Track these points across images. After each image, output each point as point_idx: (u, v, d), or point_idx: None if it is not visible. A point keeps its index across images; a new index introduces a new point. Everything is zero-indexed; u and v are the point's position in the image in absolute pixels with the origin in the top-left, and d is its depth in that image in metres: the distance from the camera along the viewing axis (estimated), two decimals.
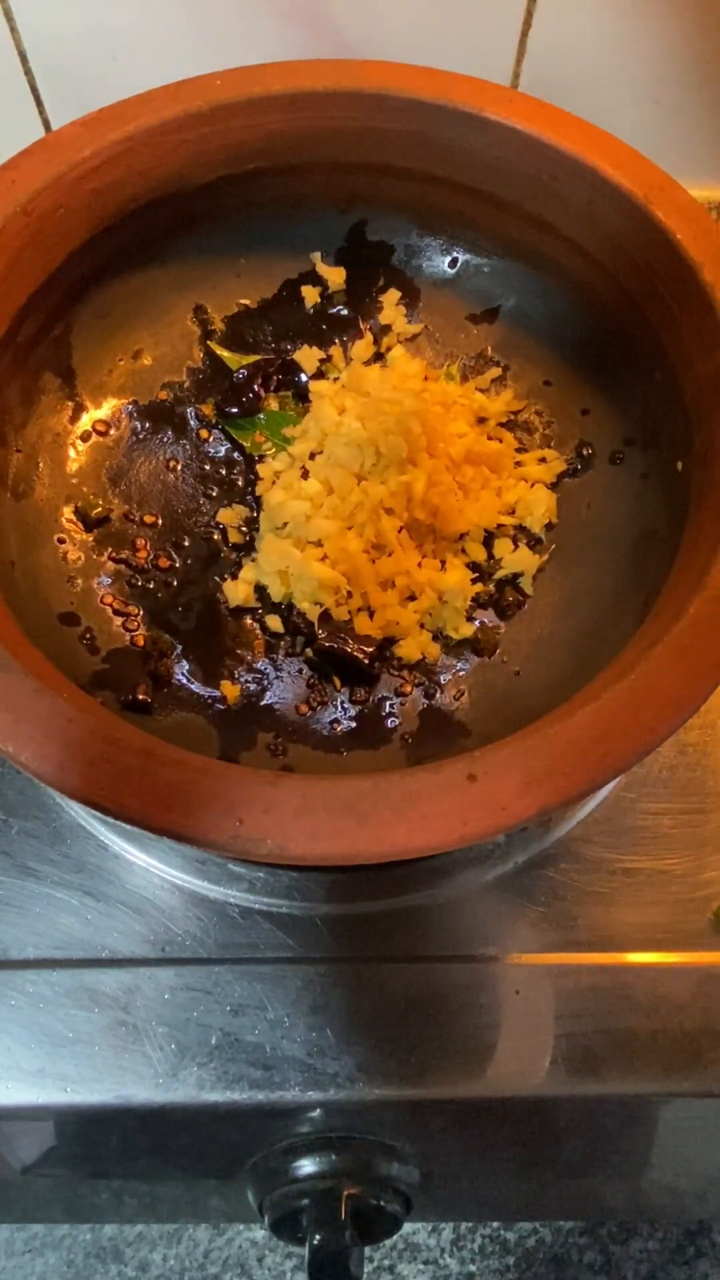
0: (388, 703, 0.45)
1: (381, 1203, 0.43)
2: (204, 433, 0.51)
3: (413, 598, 0.47)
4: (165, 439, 0.51)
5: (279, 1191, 0.44)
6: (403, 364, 0.51)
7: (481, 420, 0.51)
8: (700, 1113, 0.42)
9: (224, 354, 0.52)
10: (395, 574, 0.46)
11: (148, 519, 0.49)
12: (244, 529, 0.49)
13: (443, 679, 0.46)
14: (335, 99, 0.47)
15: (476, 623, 0.47)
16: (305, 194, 0.51)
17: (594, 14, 0.56)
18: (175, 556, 0.48)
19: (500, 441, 0.50)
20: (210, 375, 0.52)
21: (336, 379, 0.52)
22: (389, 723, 0.45)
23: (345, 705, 0.45)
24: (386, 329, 0.53)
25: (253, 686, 0.45)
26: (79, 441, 0.50)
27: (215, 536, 0.49)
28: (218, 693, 0.45)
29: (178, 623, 0.47)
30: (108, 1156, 0.47)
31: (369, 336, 0.53)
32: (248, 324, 0.53)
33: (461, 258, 0.53)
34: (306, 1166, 0.42)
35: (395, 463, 0.46)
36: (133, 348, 0.52)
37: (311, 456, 0.49)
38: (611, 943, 0.43)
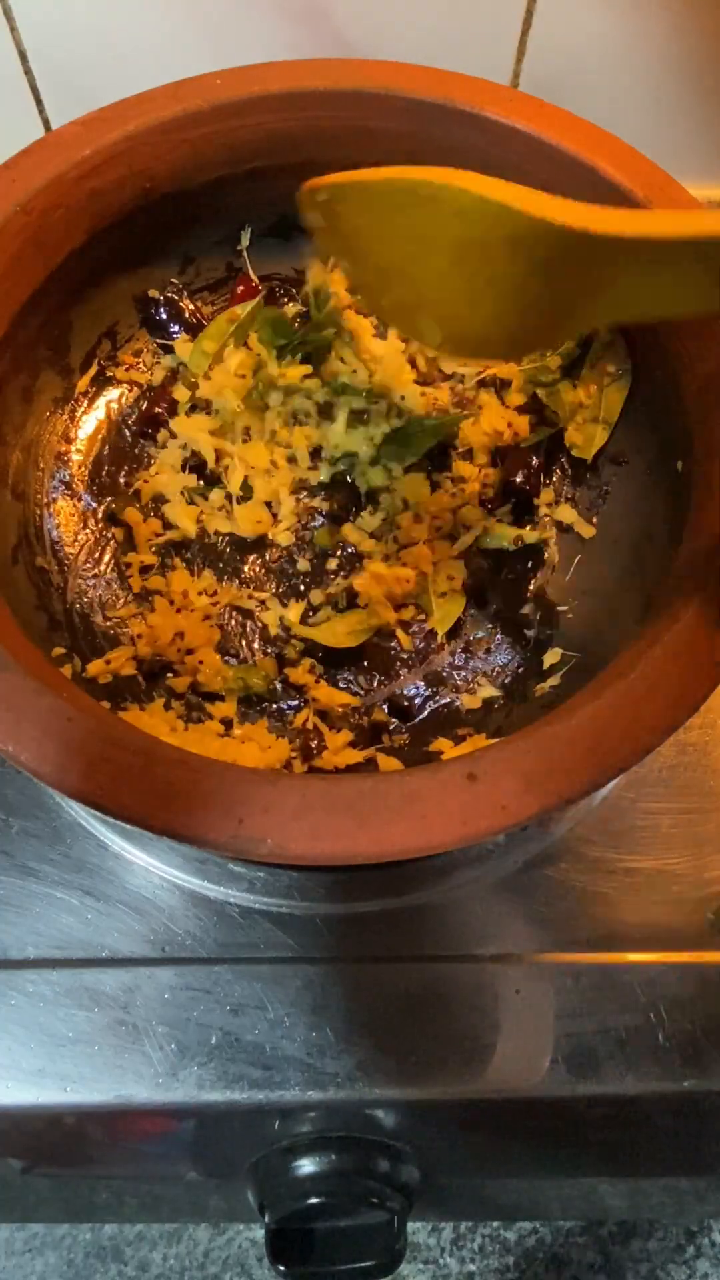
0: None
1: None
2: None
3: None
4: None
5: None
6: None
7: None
8: (700, 1113, 0.42)
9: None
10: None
11: (149, 517, 0.49)
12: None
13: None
14: (335, 99, 0.47)
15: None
16: None
17: (594, 14, 0.56)
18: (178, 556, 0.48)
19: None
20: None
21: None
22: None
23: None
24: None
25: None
26: (79, 440, 0.50)
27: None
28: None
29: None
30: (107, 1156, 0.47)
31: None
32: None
33: None
34: (306, 1166, 0.42)
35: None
36: (133, 347, 0.52)
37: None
38: (611, 943, 0.43)
